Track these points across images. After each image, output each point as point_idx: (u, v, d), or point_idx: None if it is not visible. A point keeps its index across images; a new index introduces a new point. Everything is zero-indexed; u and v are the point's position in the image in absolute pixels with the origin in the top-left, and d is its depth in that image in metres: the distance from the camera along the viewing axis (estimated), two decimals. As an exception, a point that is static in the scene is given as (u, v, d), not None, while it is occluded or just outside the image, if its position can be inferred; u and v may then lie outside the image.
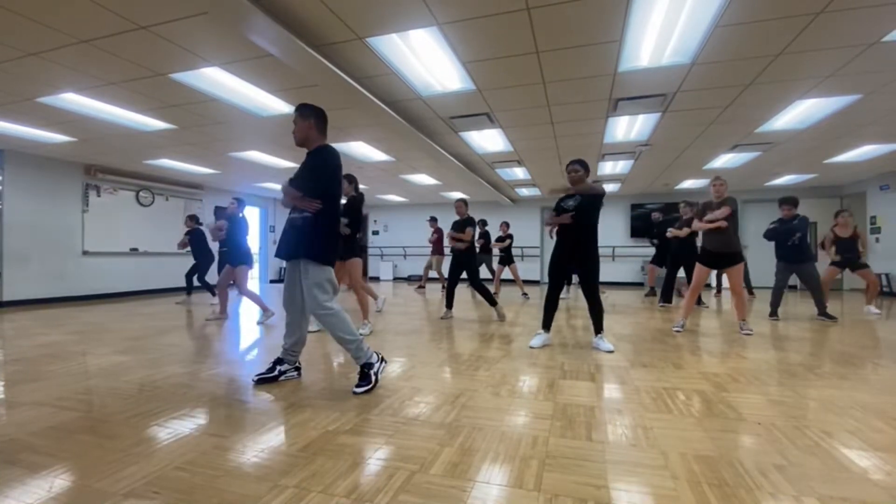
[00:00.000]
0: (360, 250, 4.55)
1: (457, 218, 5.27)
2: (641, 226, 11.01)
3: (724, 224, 4.08)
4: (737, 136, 5.81)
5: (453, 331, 4.37)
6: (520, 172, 8.26)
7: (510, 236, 7.98)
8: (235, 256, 4.97)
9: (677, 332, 4.20)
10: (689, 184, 9.46)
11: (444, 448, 1.72)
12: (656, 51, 3.41)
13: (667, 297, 6.40)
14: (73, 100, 4.40)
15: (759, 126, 5.32)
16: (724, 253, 4.18)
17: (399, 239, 13.12)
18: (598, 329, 3.50)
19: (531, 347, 3.50)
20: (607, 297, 7.45)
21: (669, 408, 2.16)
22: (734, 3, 2.77)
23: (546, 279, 11.92)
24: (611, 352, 3.35)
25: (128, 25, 3.02)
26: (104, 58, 3.47)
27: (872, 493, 1.39)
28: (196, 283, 7.06)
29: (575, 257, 3.51)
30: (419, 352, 3.42)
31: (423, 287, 9.25)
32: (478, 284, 5.06)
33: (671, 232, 6.15)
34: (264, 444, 1.76)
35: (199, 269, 7.00)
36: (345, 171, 7.89)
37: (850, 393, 2.38)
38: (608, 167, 7.80)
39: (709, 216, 4.18)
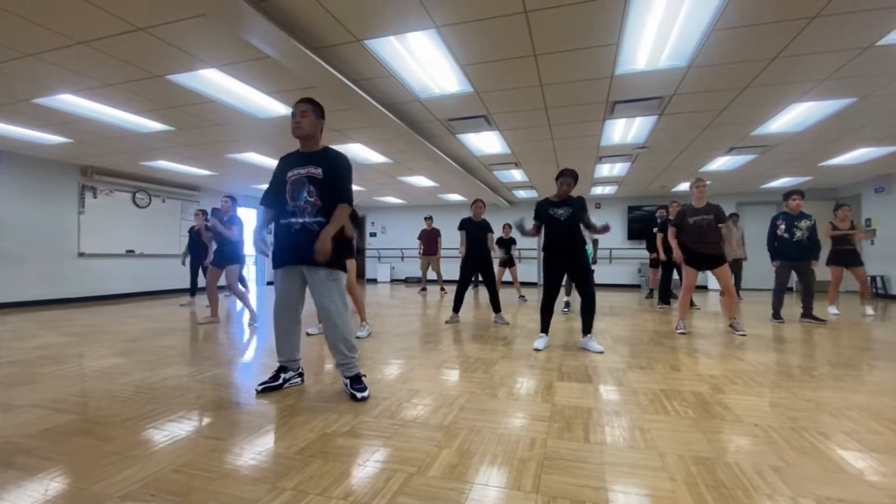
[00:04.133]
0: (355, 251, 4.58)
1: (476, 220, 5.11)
2: (639, 228, 11.04)
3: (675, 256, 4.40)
4: (733, 139, 5.84)
5: (451, 333, 4.37)
6: (517, 175, 8.28)
7: (512, 239, 7.91)
8: (230, 256, 4.91)
9: (681, 333, 4.20)
10: (685, 186, 9.49)
11: (442, 450, 1.71)
12: (653, 54, 3.43)
13: (664, 299, 6.42)
14: (70, 101, 4.38)
15: (756, 129, 5.35)
16: (706, 254, 4.22)
17: (396, 241, 13.11)
18: (588, 329, 3.53)
19: (536, 350, 3.51)
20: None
21: (667, 409, 2.17)
22: (730, 7, 2.79)
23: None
24: (600, 352, 3.37)
25: (126, 27, 3.01)
26: (101, 59, 3.47)
27: (868, 493, 1.40)
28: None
29: (571, 262, 3.55)
30: (417, 354, 3.42)
31: (426, 289, 9.20)
32: (493, 286, 5.02)
33: (660, 253, 6.14)
34: (262, 446, 1.76)
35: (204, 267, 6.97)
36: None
37: (845, 395, 2.40)
38: (605, 169, 7.82)
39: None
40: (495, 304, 5.00)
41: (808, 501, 1.35)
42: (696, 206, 4.28)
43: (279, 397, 2.37)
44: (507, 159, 7.03)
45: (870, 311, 5.48)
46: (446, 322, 4.95)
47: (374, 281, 12.90)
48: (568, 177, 3.55)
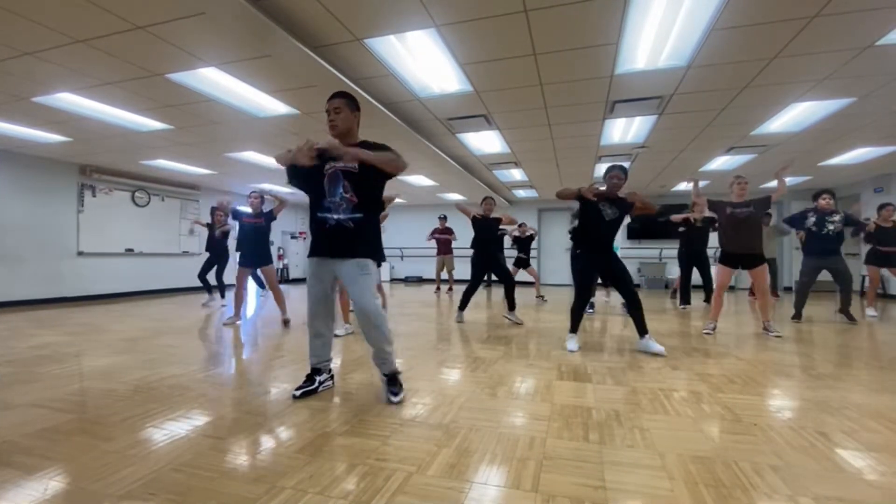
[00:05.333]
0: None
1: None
2: (638, 227, 11.04)
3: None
4: (732, 139, 5.84)
5: (451, 332, 4.37)
6: (517, 174, 8.28)
7: (531, 237, 7.74)
8: (265, 256, 4.83)
9: (708, 334, 4.13)
10: (685, 186, 9.50)
11: (442, 449, 1.71)
12: (653, 54, 3.43)
13: (685, 299, 6.30)
14: (69, 99, 4.37)
15: (755, 128, 5.35)
16: (745, 254, 4.13)
17: (396, 240, 13.10)
18: (644, 330, 3.42)
19: (570, 351, 3.41)
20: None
21: (666, 409, 2.17)
22: (730, 7, 2.79)
23: (544, 280, 11.96)
24: (663, 354, 3.25)
25: (125, 25, 3.01)
26: (100, 58, 3.46)
27: (867, 493, 1.40)
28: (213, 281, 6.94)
29: (609, 264, 3.47)
30: (417, 353, 3.42)
31: (440, 289, 8.99)
32: (510, 283, 4.94)
33: (674, 217, 6.09)
34: (261, 445, 1.76)
35: (220, 267, 6.90)
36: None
37: (844, 394, 2.40)
38: (605, 169, 7.81)
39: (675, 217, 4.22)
40: (510, 301, 4.90)
41: (807, 500, 1.36)
42: (735, 202, 4.18)
43: (278, 396, 2.37)
44: (506, 159, 7.03)
45: (871, 312, 5.42)
46: (457, 321, 4.93)
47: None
48: (617, 169, 3.43)
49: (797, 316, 4.96)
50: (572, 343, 3.51)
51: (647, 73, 3.76)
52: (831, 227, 4.75)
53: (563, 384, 2.59)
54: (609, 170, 3.51)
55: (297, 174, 2.34)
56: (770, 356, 3.30)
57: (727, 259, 4.25)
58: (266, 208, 4.94)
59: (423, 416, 2.07)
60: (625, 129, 5.46)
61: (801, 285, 5.00)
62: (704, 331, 4.23)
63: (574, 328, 3.59)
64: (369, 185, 2.29)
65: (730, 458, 1.64)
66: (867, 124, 5.17)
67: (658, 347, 3.31)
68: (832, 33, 3.11)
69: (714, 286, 4.39)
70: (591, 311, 5.74)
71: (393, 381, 2.33)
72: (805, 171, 7.84)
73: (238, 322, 4.85)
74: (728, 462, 1.60)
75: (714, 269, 4.46)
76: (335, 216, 2.26)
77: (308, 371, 2.46)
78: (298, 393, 2.34)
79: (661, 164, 7.41)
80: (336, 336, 3.97)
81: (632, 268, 11.10)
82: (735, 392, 2.43)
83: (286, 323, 4.69)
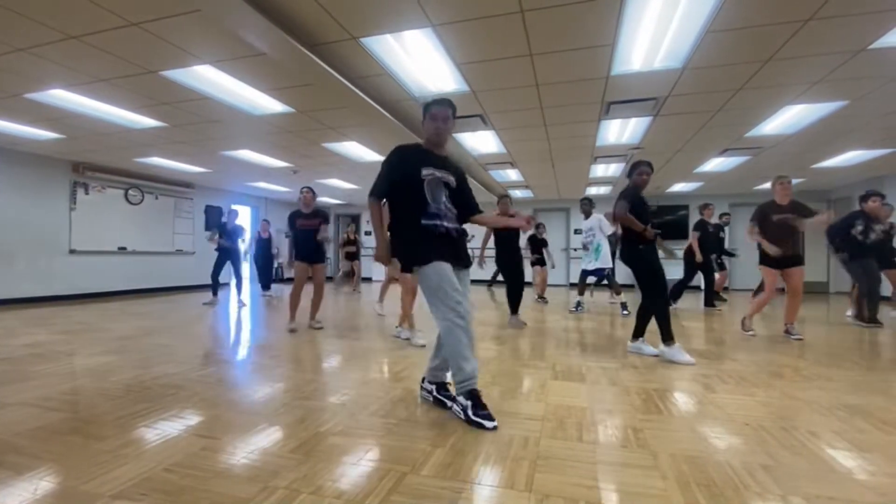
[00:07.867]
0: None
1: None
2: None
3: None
4: (727, 141, 5.88)
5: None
6: (512, 174, 8.29)
7: (544, 241, 7.54)
8: (322, 252, 4.72)
9: (752, 335, 4.10)
10: (679, 187, 9.55)
11: (436, 449, 1.72)
12: (648, 55, 3.44)
13: (675, 297, 6.25)
14: (62, 96, 4.33)
15: (749, 130, 5.39)
16: (787, 254, 4.03)
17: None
18: (638, 334, 3.43)
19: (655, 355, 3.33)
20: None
21: (659, 409, 2.18)
22: (725, 9, 2.80)
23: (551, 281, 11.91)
24: (656, 355, 3.26)
25: (119, 22, 2.98)
26: (94, 54, 3.43)
27: (857, 492, 1.41)
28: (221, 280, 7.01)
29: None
30: (411, 353, 3.41)
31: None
32: (518, 287, 4.87)
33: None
34: (254, 445, 1.75)
35: (235, 265, 7.04)
36: (338, 169, 7.73)
37: (835, 394, 2.42)
38: (600, 170, 7.85)
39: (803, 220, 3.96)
40: (512, 305, 4.82)
41: (798, 500, 1.37)
42: (779, 204, 4.05)
43: (272, 395, 2.36)
44: (502, 159, 7.04)
45: (892, 312, 5.39)
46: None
47: (369, 280, 12.87)
48: (646, 166, 3.56)
49: (874, 319, 4.77)
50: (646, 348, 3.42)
51: (643, 74, 3.78)
52: (873, 235, 4.68)
53: (558, 384, 2.60)
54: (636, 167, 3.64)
55: (399, 185, 2.20)
56: (763, 357, 3.32)
57: (771, 260, 4.08)
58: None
59: (418, 416, 2.07)
60: (620, 131, 5.48)
61: (872, 285, 4.79)
62: (749, 333, 4.16)
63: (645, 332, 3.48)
64: (462, 200, 2.30)
65: (722, 457, 1.65)
66: (860, 127, 5.22)
67: (651, 350, 3.34)
68: (826, 37, 3.14)
69: (764, 289, 4.27)
70: (576, 310, 5.86)
71: (476, 400, 2.14)
72: (799, 172, 7.90)
73: (293, 327, 4.37)
74: (720, 462, 1.61)
75: (762, 272, 4.28)
76: (445, 224, 2.17)
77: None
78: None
79: (656, 165, 7.44)
80: (421, 346, 3.66)
81: (626, 267, 11.17)
82: (727, 392, 2.45)
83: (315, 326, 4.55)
